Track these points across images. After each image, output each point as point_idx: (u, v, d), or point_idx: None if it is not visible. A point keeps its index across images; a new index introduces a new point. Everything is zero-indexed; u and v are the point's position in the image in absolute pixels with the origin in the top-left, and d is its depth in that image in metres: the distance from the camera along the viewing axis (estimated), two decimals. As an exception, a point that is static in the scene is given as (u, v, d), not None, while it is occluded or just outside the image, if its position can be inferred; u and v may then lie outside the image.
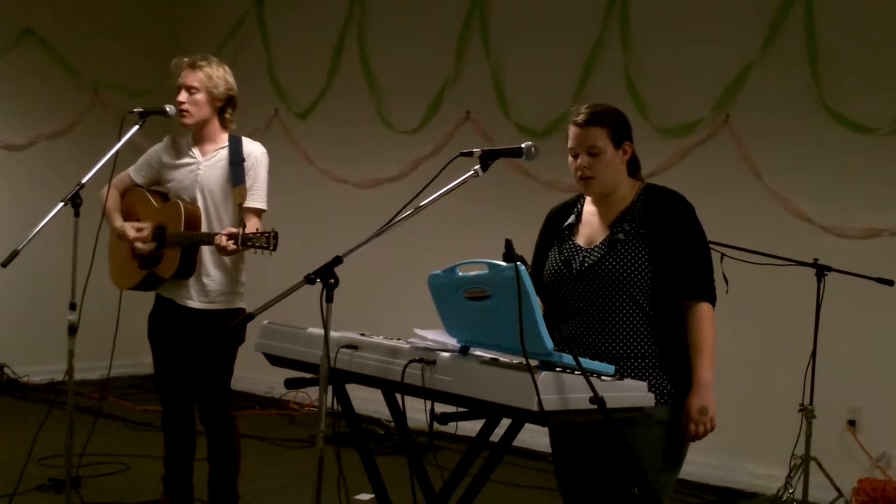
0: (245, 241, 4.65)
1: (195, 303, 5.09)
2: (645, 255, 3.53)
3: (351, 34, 9.08)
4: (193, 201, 5.08)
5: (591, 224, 3.71)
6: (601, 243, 3.61)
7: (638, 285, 3.52)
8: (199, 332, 5.08)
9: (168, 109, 5.02)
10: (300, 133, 9.40)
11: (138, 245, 5.11)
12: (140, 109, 4.97)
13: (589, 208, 3.76)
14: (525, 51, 8.10)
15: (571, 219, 3.77)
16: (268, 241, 4.61)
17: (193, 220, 5.04)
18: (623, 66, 7.48)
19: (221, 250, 4.79)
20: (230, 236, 4.69)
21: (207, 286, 5.09)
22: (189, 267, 5.03)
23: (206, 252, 5.05)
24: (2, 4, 9.12)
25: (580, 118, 3.62)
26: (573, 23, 7.87)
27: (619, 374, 3.35)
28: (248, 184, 5.03)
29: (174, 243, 5.03)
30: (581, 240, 3.70)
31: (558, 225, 3.81)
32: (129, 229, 5.13)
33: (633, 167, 3.72)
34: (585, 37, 7.69)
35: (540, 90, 7.96)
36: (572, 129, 3.64)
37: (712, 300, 3.58)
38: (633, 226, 3.58)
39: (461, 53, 8.39)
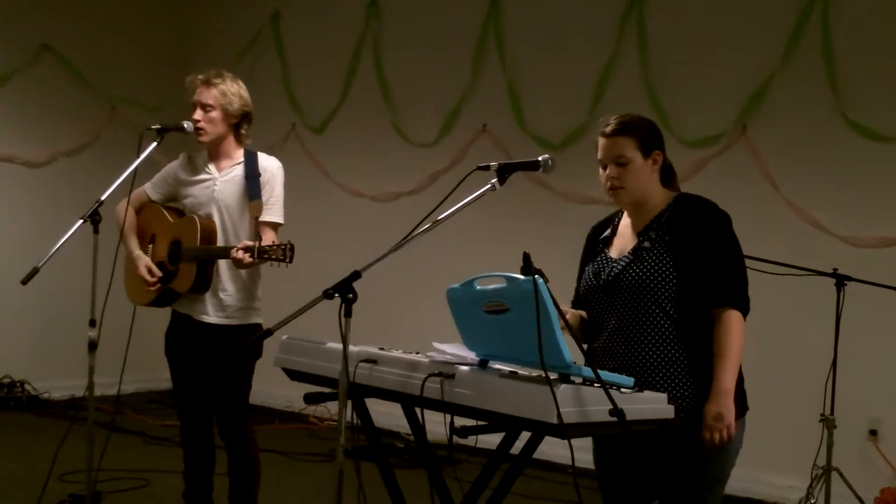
0: (261, 254, 4.66)
1: (211, 318, 5.10)
2: (670, 262, 3.50)
3: (366, 48, 9.10)
4: (210, 217, 5.09)
5: (624, 235, 3.71)
6: (629, 252, 3.60)
7: (663, 292, 3.49)
8: (217, 348, 5.09)
9: (186, 126, 5.03)
10: (317, 147, 9.42)
11: (145, 277, 5.12)
12: (158, 126, 4.98)
13: (625, 220, 3.75)
14: (541, 63, 8.11)
15: (608, 232, 3.77)
16: (284, 253, 4.61)
17: (209, 234, 5.05)
18: (638, 76, 7.48)
19: (238, 263, 4.79)
20: (246, 249, 4.70)
21: (224, 301, 5.09)
22: (205, 281, 5.04)
23: (223, 267, 5.06)
24: (19, 21, 9.17)
25: (608, 129, 3.60)
26: (589, 35, 7.87)
27: (645, 385, 3.35)
28: (264, 198, 5.04)
29: (190, 258, 5.04)
30: (613, 251, 3.69)
31: (597, 239, 3.81)
32: (144, 269, 5.12)
33: (667, 176, 3.71)
34: (601, 48, 7.70)
35: (556, 102, 7.97)
36: (601, 140, 3.62)
37: (742, 308, 3.52)
38: (660, 233, 3.56)
39: (477, 66, 8.41)
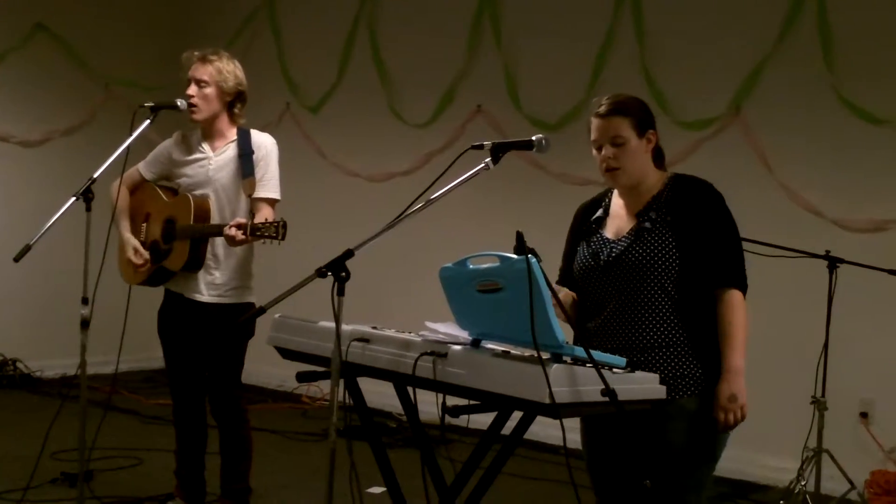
0: (254, 231, 4.66)
1: (204, 297, 5.10)
2: (672, 242, 3.51)
3: (362, 28, 9.08)
4: (205, 196, 5.09)
5: (618, 216, 3.70)
6: (628, 233, 3.60)
7: (666, 273, 3.50)
8: (209, 326, 5.09)
9: (179, 104, 5.01)
10: (312, 127, 9.41)
11: (133, 259, 5.13)
12: (151, 104, 4.96)
13: (617, 201, 3.74)
14: (537, 43, 8.09)
15: (599, 212, 3.76)
16: (276, 230, 4.61)
17: (203, 212, 5.04)
18: (634, 57, 7.47)
19: (231, 241, 4.79)
20: (239, 226, 4.70)
21: (217, 279, 5.09)
22: (198, 260, 5.04)
23: (217, 245, 5.06)
24: (13, 0, 9.13)
25: (602, 109, 3.60)
26: (585, 15, 7.85)
27: (647, 366, 3.36)
28: (258, 175, 5.04)
29: (184, 236, 5.04)
30: (609, 232, 3.69)
31: (587, 219, 3.80)
32: (131, 251, 5.16)
33: (658, 157, 3.71)
34: (597, 29, 7.69)
35: (552, 83, 7.96)
36: (594, 121, 3.62)
37: (743, 287, 3.55)
38: (660, 214, 3.56)
39: (472, 46, 8.39)
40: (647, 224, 3.56)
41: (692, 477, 3.52)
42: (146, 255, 5.13)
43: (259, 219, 4.81)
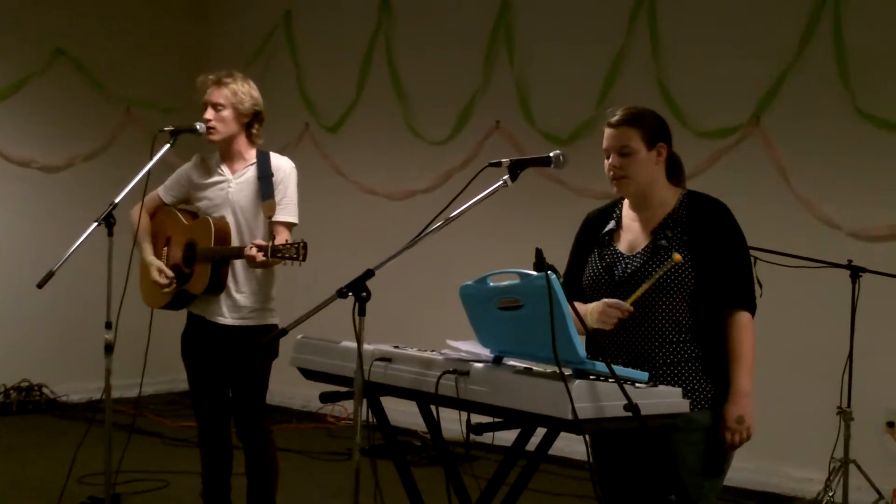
0: (275, 253, 4.67)
1: (227, 319, 5.10)
2: (688, 261, 3.52)
3: (379, 46, 9.10)
4: (222, 218, 5.10)
5: (632, 230, 3.70)
6: (643, 250, 3.60)
7: (680, 291, 3.51)
8: (232, 349, 5.10)
9: (199, 127, 5.03)
10: (331, 146, 9.42)
11: (158, 280, 5.14)
12: (171, 128, 4.99)
13: (628, 213, 3.74)
14: (551, 58, 8.10)
15: (611, 224, 3.75)
16: (297, 251, 4.62)
17: (223, 235, 5.05)
18: (647, 71, 7.48)
19: (251, 261, 4.80)
20: (259, 248, 4.71)
21: (239, 302, 5.10)
22: (219, 282, 5.05)
23: (238, 268, 5.07)
24: (33, 26, 9.19)
25: (614, 119, 3.62)
26: (600, 28, 7.86)
27: (657, 381, 3.35)
28: (277, 198, 5.05)
29: (204, 259, 5.05)
30: (622, 246, 3.69)
31: (597, 230, 3.79)
32: (155, 272, 5.15)
33: (674, 171, 3.71)
34: (612, 42, 7.69)
35: (567, 97, 7.96)
36: (606, 130, 3.64)
37: (752, 309, 3.57)
38: (676, 232, 3.56)
39: (489, 63, 8.40)
40: (664, 242, 3.56)
41: (700, 489, 3.52)
42: (171, 273, 5.14)
43: (278, 241, 4.83)
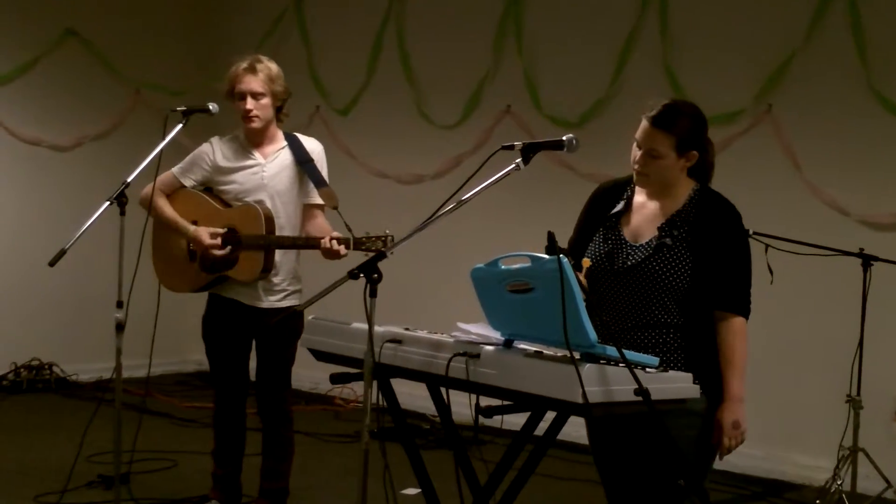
0: (358, 245, 4.66)
1: (264, 303, 5.10)
2: (688, 261, 3.52)
3: (390, 30, 9.08)
4: (258, 203, 5.07)
5: (640, 215, 3.69)
6: (647, 243, 3.60)
7: (675, 289, 3.52)
8: (269, 331, 5.09)
9: (211, 108, 5.02)
10: (341, 129, 9.40)
11: (214, 252, 5.08)
12: (183, 108, 4.97)
13: (639, 197, 3.73)
14: (560, 43, 8.07)
15: (620, 206, 3.74)
16: (384, 243, 4.60)
17: (272, 223, 5.02)
18: (657, 53, 7.45)
19: (330, 254, 4.78)
20: (340, 240, 4.70)
21: (275, 286, 5.10)
22: (269, 270, 5.04)
23: (275, 252, 5.05)
24: (43, 5, 9.19)
25: (651, 114, 3.56)
26: (608, 13, 7.84)
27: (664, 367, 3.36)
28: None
29: (255, 246, 5.01)
30: (627, 232, 3.68)
31: (606, 206, 3.78)
32: (205, 235, 5.06)
33: (702, 171, 3.67)
34: (620, 26, 7.67)
35: (575, 82, 7.94)
36: (643, 122, 3.58)
37: (746, 314, 3.57)
38: (681, 231, 3.56)
39: (499, 47, 8.38)
40: (668, 241, 3.56)
41: (705, 468, 3.56)
42: (222, 232, 5.07)
43: (315, 226, 4.83)
